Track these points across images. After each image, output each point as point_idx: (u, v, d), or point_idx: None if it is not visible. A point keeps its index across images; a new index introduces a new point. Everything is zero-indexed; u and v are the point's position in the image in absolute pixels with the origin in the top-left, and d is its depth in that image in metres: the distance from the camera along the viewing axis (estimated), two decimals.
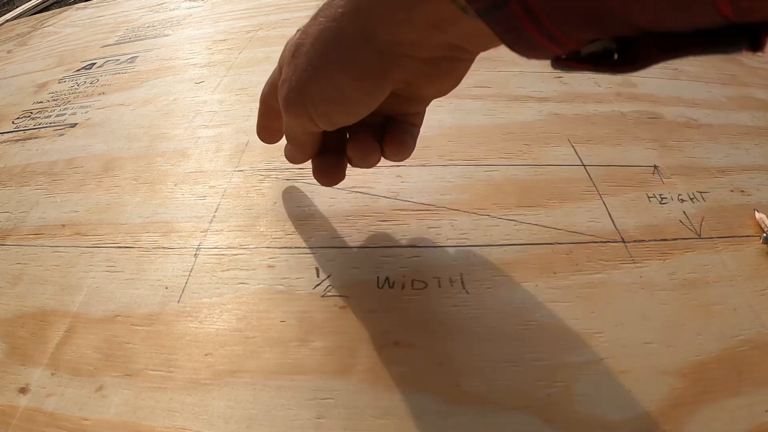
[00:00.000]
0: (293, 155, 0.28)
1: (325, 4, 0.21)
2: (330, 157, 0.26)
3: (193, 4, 0.73)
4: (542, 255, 0.27)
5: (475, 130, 0.37)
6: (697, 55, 0.14)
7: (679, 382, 0.21)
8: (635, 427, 0.20)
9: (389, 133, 0.25)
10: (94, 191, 0.34)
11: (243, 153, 0.36)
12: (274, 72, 0.26)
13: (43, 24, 0.78)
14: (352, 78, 0.20)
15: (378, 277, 0.26)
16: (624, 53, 0.15)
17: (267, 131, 0.30)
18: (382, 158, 0.26)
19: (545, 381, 0.21)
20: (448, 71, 0.22)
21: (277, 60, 0.25)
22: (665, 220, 0.29)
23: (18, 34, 0.76)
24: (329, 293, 0.26)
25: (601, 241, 0.28)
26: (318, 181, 0.27)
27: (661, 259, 0.27)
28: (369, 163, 0.25)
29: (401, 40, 0.19)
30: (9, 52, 0.68)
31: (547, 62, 0.18)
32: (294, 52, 0.22)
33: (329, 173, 0.26)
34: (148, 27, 0.66)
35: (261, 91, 0.28)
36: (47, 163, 0.38)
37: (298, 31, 0.23)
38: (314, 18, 0.21)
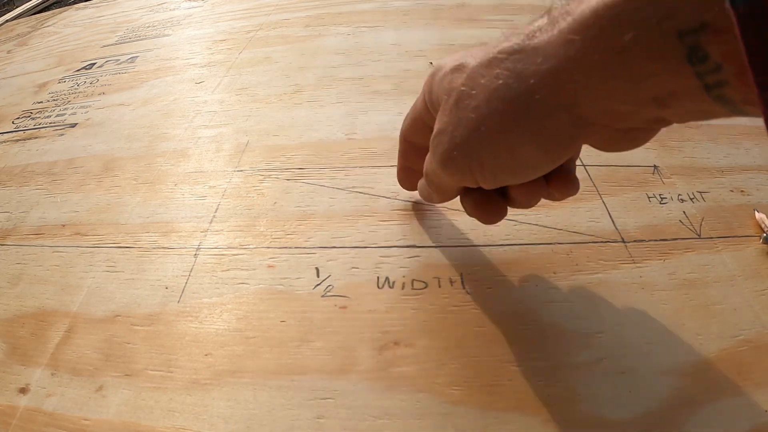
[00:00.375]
0: (430, 196, 0.25)
1: (502, 52, 0.18)
2: (487, 194, 0.22)
3: (193, 4, 0.73)
4: (542, 255, 0.27)
5: None
6: None
7: (679, 382, 0.21)
8: (635, 427, 0.20)
9: (557, 174, 0.21)
10: (94, 191, 0.34)
11: (243, 153, 0.36)
12: (416, 105, 0.24)
13: (43, 24, 0.78)
14: (536, 148, 0.18)
15: (378, 277, 0.26)
16: None
17: (408, 173, 0.28)
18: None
19: (545, 381, 0.21)
20: (636, 140, 0.19)
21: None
22: (665, 220, 0.29)
23: (18, 34, 0.76)
24: (329, 293, 0.26)
25: (601, 241, 0.28)
26: (476, 217, 0.23)
27: (661, 259, 0.27)
28: (533, 204, 0.22)
29: (608, 111, 0.16)
30: (9, 52, 0.68)
31: None
32: (457, 101, 0.19)
33: (489, 210, 0.23)
34: (148, 27, 0.66)
35: (401, 127, 0.26)
36: (47, 163, 0.38)
37: (457, 67, 0.20)
38: (487, 66, 0.18)
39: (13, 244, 0.31)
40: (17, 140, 0.42)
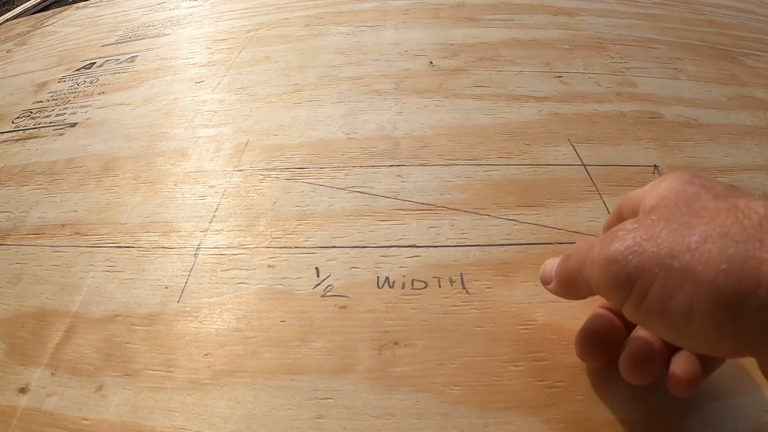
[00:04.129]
0: (550, 280, 0.22)
1: (753, 210, 0.15)
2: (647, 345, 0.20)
3: (193, 3, 0.73)
4: (542, 255, 0.27)
5: (475, 129, 0.37)
6: None
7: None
8: (635, 427, 0.20)
9: (684, 360, 0.19)
10: (93, 191, 0.34)
11: (243, 153, 0.36)
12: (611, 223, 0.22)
13: (42, 23, 0.78)
14: (717, 328, 0.15)
15: (378, 277, 0.26)
16: None
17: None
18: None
19: (545, 381, 0.21)
20: None
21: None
22: None
23: (18, 34, 0.76)
24: (329, 293, 0.26)
25: None
26: (625, 374, 0.20)
27: None
28: (642, 380, 0.19)
29: None
30: (9, 51, 0.68)
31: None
32: (674, 215, 0.16)
33: (641, 365, 0.19)
34: (147, 26, 0.66)
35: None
36: (47, 162, 0.38)
37: (695, 194, 0.17)
38: (728, 209, 0.15)
39: (12, 243, 0.31)
40: (17, 140, 0.42)
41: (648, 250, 0.16)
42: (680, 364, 0.19)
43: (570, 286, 0.20)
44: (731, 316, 0.14)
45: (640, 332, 0.20)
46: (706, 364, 0.19)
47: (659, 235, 0.16)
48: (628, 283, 0.16)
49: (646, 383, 0.20)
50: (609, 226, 0.23)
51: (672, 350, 0.20)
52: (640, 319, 0.17)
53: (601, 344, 0.21)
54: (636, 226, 0.17)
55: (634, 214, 0.20)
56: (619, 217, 0.22)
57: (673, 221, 0.16)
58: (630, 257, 0.16)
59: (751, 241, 0.14)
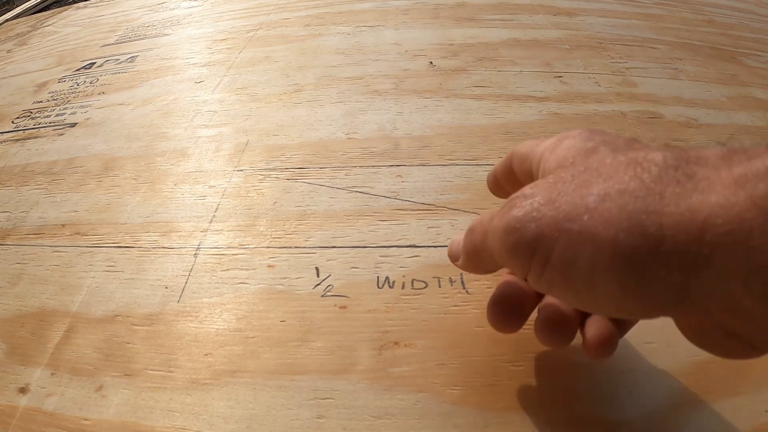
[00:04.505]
0: (457, 256, 0.21)
1: (653, 159, 0.15)
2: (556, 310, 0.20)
3: (193, 3, 0.73)
4: None
5: (475, 129, 0.37)
6: None
7: (679, 382, 0.21)
8: (635, 427, 0.20)
9: (596, 323, 0.19)
10: (93, 191, 0.34)
11: (243, 153, 0.36)
12: (508, 160, 0.22)
13: (42, 23, 0.78)
14: (621, 288, 0.14)
15: (378, 277, 0.26)
16: None
17: (499, 186, 0.23)
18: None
19: (545, 381, 0.21)
20: (733, 351, 0.15)
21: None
22: None
23: (18, 34, 0.76)
24: (329, 293, 0.26)
25: None
26: (542, 340, 0.20)
27: None
28: (558, 344, 0.20)
29: (731, 302, 0.13)
30: (9, 51, 0.68)
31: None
32: (573, 177, 0.16)
33: (555, 331, 0.19)
34: (147, 26, 0.66)
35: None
36: (47, 162, 0.38)
37: (591, 149, 0.17)
38: (627, 164, 0.15)
39: (12, 243, 0.31)
40: (17, 140, 0.42)
41: (546, 214, 0.15)
42: (593, 327, 0.19)
43: (476, 260, 0.20)
44: (634, 275, 0.14)
45: (550, 298, 0.20)
46: (621, 325, 0.19)
47: (557, 198, 0.15)
48: (528, 251, 0.16)
49: (563, 347, 0.20)
50: (494, 179, 0.23)
51: (585, 313, 0.20)
52: (544, 287, 0.16)
53: (513, 312, 0.20)
54: (533, 191, 0.16)
55: (528, 175, 0.20)
56: (508, 172, 0.22)
57: (571, 182, 0.16)
58: (528, 224, 0.16)
59: (650, 195, 0.14)
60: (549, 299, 0.20)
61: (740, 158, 0.13)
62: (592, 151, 0.17)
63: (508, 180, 0.22)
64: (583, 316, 0.20)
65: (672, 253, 0.13)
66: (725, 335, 0.14)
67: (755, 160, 0.13)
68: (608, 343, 0.18)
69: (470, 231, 0.20)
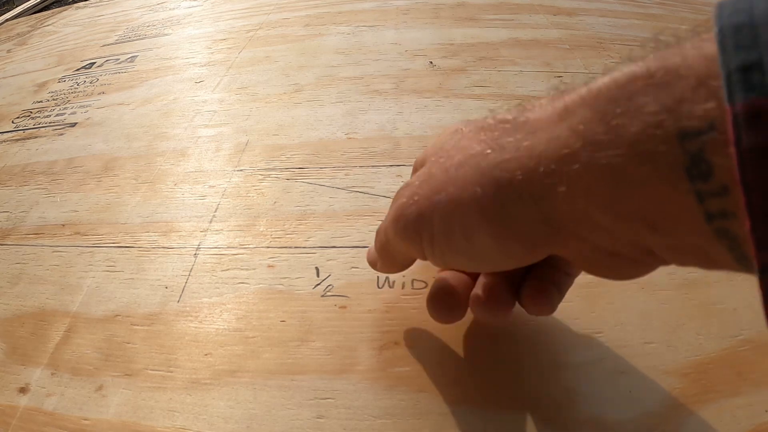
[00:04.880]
0: (374, 260, 0.23)
1: (495, 119, 0.16)
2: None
3: (193, 3, 0.73)
4: None
5: None
6: None
7: (679, 382, 0.21)
8: (635, 427, 0.20)
9: (528, 282, 0.19)
10: (93, 191, 0.34)
11: (243, 153, 0.36)
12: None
13: (42, 23, 0.78)
14: (491, 235, 0.15)
15: (378, 277, 0.26)
16: None
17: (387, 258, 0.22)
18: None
19: (545, 381, 0.21)
20: (620, 269, 0.16)
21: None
22: None
23: (18, 34, 0.76)
24: (329, 293, 0.26)
25: None
26: (432, 315, 0.21)
27: None
28: (499, 311, 0.20)
29: (584, 219, 0.13)
30: (9, 51, 0.68)
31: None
32: (437, 159, 0.17)
33: (440, 304, 0.21)
34: (147, 26, 0.66)
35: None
36: (47, 162, 0.38)
37: (455, 131, 0.18)
38: (477, 131, 0.16)
39: (12, 243, 0.31)
40: (17, 140, 0.42)
41: (422, 195, 0.17)
42: (528, 287, 0.19)
43: (387, 258, 0.21)
44: (499, 220, 0.15)
45: (444, 274, 0.21)
46: (558, 283, 0.20)
47: (429, 178, 0.17)
48: (416, 231, 0.17)
49: (454, 321, 0.21)
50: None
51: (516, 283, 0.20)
52: (439, 262, 0.18)
53: (448, 304, 0.21)
54: (413, 179, 0.18)
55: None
56: None
57: (438, 162, 0.17)
58: (409, 207, 0.17)
59: (495, 150, 0.15)
60: (440, 274, 0.22)
61: (561, 95, 0.14)
62: (455, 132, 0.18)
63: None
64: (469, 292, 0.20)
65: (522, 191, 0.14)
66: (608, 255, 0.15)
67: (571, 93, 0.14)
68: (543, 301, 0.19)
69: (377, 233, 0.21)
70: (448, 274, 0.22)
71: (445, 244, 0.17)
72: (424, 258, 0.18)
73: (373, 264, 0.23)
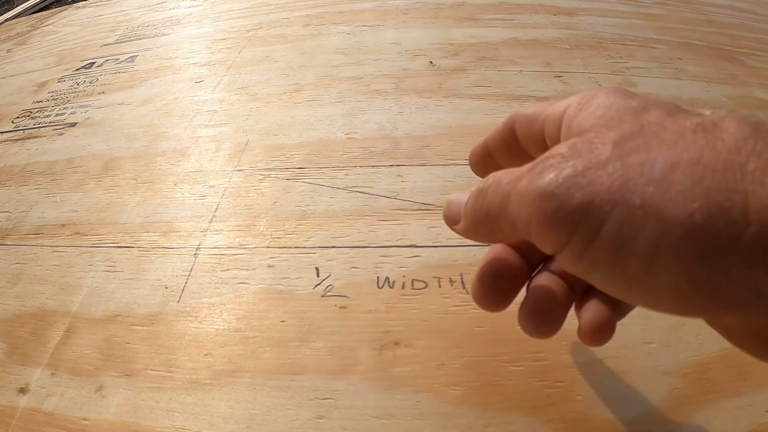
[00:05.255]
0: (456, 221, 0.18)
1: (716, 121, 0.12)
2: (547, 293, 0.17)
3: (193, 3, 0.73)
4: None
5: (475, 129, 0.37)
6: None
7: (679, 382, 0.21)
8: (635, 427, 0.20)
9: (592, 304, 0.17)
10: (93, 191, 0.34)
11: (243, 153, 0.36)
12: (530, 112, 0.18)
13: (42, 23, 0.78)
14: (690, 280, 0.11)
15: (378, 277, 0.26)
16: None
17: (487, 159, 0.20)
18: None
19: (545, 381, 0.21)
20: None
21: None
22: None
23: (17, 34, 0.76)
24: (329, 293, 0.26)
25: None
26: (525, 328, 0.18)
27: None
28: (544, 329, 0.17)
29: None
30: (8, 51, 0.68)
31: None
32: (623, 138, 0.13)
33: (542, 318, 0.17)
34: (147, 26, 0.66)
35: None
36: (47, 162, 0.38)
37: (639, 107, 0.14)
38: (694, 130, 0.12)
39: (12, 243, 0.31)
40: (17, 140, 0.42)
41: (595, 181, 0.12)
42: (589, 311, 0.17)
43: (487, 227, 0.16)
44: (708, 266, 0.11)
45: (541, 279, 0.18)
46: (618, 309, 0.17)
47: (608, 162, 0.12)
48: (571, 223, 0.13)
49: (548, 337, 0.18)
50: (483, 151, 0.20)
51: (577, 296, 0.18)
52: (582, 269, 0.13)
53: (503, 289, 0.18)
54: (572, 151, 0.13)
55: (536, 140, 0.17)
56: (506, 139, 0.19)
57: (623, 144, 0.13)
58: (572, 190, 0.13)
59: (730, 169, 0.11)
60: (540, 280, 0.18)
61: None
62: (642, 110, 0.14)
63: (506, 149, 0.19)
64: (573, 300, 0.18)
65: (756, 243, 0.11)
66: None
67: None
68: (605, 329, 0.17)
69: (481, 192, 0.16)
70: (504, 251, 0.19)
71: (608, 256, 0.12)
72: (554, 253, 0.14)
73: (452, 221, 0.18)
